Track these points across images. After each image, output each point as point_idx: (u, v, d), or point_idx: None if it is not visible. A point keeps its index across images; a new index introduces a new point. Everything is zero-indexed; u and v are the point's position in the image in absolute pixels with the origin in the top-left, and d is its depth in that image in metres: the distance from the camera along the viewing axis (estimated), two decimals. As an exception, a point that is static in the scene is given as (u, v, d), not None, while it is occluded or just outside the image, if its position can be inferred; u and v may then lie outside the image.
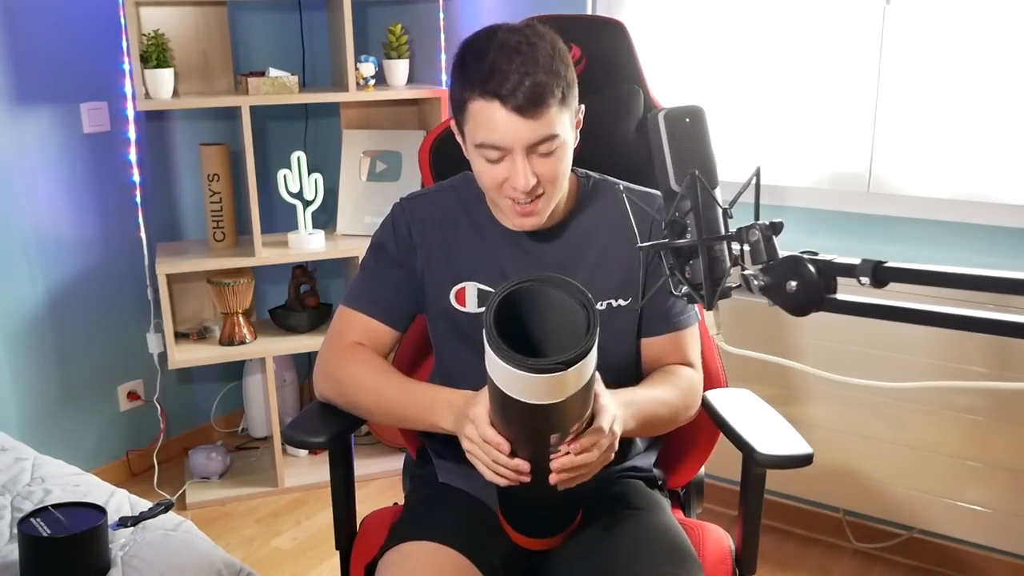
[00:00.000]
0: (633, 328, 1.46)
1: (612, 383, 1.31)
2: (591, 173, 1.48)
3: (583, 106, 1.36)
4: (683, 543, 1.36)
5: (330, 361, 1.48)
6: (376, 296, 1.47)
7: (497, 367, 1.09)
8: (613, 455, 1.25)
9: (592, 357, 1.10)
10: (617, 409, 1.25)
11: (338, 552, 1.56)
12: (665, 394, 1.40)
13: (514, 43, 1.24)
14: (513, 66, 1.22)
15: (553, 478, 1.20)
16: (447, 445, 1.49)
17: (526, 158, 1.27)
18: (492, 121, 1.25)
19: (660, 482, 1.56)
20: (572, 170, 1.39)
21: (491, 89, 1.23)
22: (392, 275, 1.47)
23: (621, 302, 1.42)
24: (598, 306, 1.39)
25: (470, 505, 1.43)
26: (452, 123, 1.36)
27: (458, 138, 1.36)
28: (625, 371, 1.46)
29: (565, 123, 1.29)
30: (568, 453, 1.19)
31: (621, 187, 1.29)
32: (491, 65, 1.23)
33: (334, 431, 1.46)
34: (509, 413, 1.16)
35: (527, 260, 1.42)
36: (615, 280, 1.42)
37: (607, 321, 1.38)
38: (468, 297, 1.43)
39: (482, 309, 1.32)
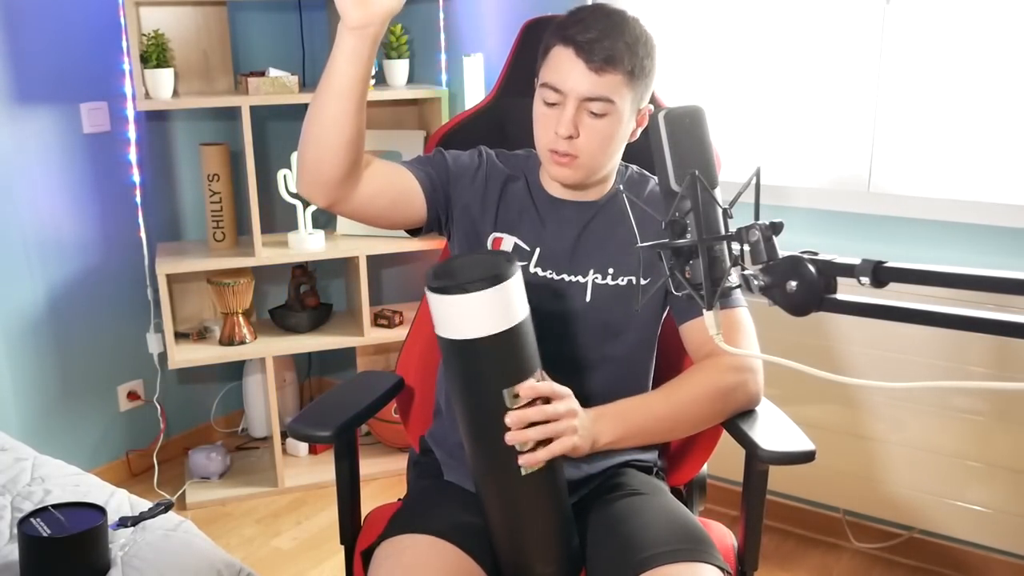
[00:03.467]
0: (654, 310, 1.48)
1: (623, 357, 1.42)
2: (630, 164, 1.54)
3: (651, 106, 1.41)
4: (692, 521, 1.37)
5: None
6: (415, 162, 1.48)
7: (432, 309, 1.18)
8: (578, 441, 1.24)
9: (507, 297, 1.15)
10: (588, 414, 1.28)
11: (338, 552, 1.56)
12: (670, 396, 1.39)
13: (610, 11, 1.35)
14: (599, 24, 1.32)
15: (509, 436, 1.19)
16: (452, 436, 1.51)
17: (577, 110, 1.34)
18: (560, 63, 1.34)
19: (661, 473, 1.57)
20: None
21: (571, 35, 1.33)
22: (439, 167, 1.48)
23: (643, 281, 1.47)
24: (619, 281, 1.45)
25: (470, 500, 1.43)
26: (536, 80, 1.40)
27: (535, 96, 1.41)
28: (639, 348, 1.49)
29: (626, 99, 1.35)
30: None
31: (622, 187, 1.32)
32: (581, 19, 1.34)
33: (339, 425, 1.47)
34: (449, 363, 1.20)
35: (565, 225, 1.47)
36: (640, 259, 1.46)
37: (625, 296, 1.44)
38: (503, 247, 1.48)
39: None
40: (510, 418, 1.19)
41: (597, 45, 1.31)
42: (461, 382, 1.20)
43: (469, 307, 1.15)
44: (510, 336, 1.17)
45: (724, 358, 1.40)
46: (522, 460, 1.21)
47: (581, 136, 1.35)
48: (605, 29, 1.32)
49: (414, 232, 1.50)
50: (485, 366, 1.18)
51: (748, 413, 1.44)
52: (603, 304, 1.45)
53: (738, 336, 1.41)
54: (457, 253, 1.51)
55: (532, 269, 1.46)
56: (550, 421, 1.21)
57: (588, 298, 1.45)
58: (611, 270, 1.46)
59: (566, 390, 1.25)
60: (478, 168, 1.50)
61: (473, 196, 1.48)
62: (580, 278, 1.45)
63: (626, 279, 1.46)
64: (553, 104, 1.35)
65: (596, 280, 1.46)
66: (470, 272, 1.18)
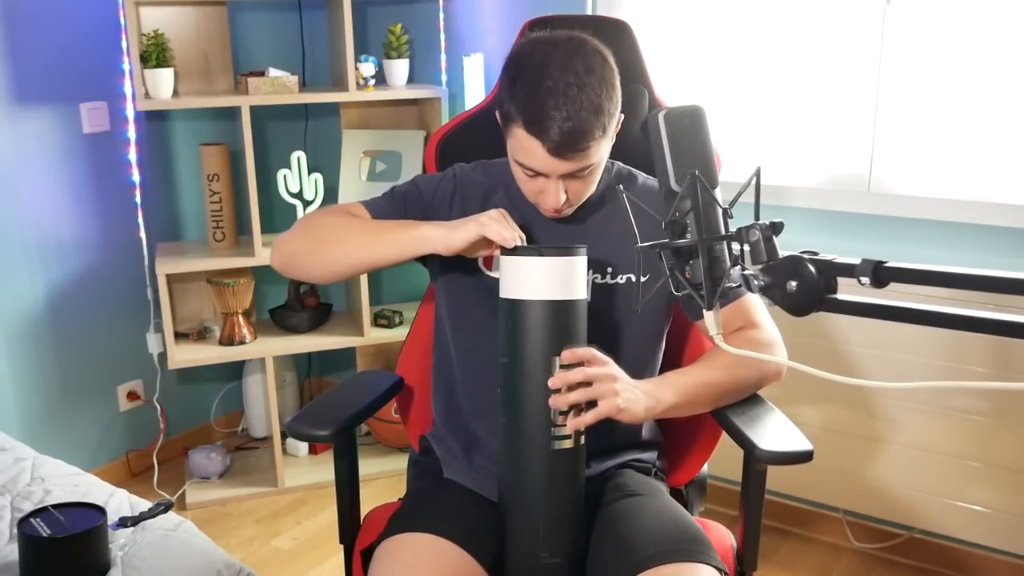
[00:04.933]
0: (657, 304, 1.49)
1: (631, 351, 1.43)
2: (615, 161, 1.54)
3: (622, 115, 1.39)
4: (689, 522, 1.37)
5: (310, 214, 1.55)
6: (384, 209, 1.50)
7: (503, 273, 1.30)
8: (622, 404, 1.26)
9: (572, 271, 1.26)
10: (649, 380, 1.35)
11: (338, 552, 1.56)
12: (712, 365, 1.42)
13: (563, 86, 1.27)
14: (559, 113, 1.26)
15: (552, 399, 1.25)
16: (452, 435, 1.51)
17: (560, 180, 1.35)
18: (532, 152, 1.32)
19: (661, 474, 1.57)
20: None
21: (534, 131, 1.29)
22: (415, 204, 1.51)
23: (642, 278, 1.48)
24: (618, 279, 1.48)
25: (470, 498, 1.44)
26: (498, 116, 1.39)
27: (502, 131, 1.40)
28: (642, 344, 1.50)
29: (603, 149, 1.35)
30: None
31: (621, 187, 1.32)
32: (539, 106, 1.27)
33: (338, 424, 1.47)
34: (506, 325, 1.28)
35: (556, 234, 1.48)
36: (640, 257, 1.48)
37: (627, 293, 1.47)
38: (496, 263, 1.47)
39: None
40: (552, 380, 1.24)
41: (563, 136, 1.27)
42: (513, 344, 1.28)
43: (539, 270, 1.25)
44: (568, 308, 1.27)
45: (752, 333, 1.45)
46: (569, 423, 1.26)
47: (570, 194, 1.37)
48: (565, 112, 1.26)
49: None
50: (539, 330, 1.26)
51: (747, 412, 1.45)
52: (605, 303, 1.46)
53: (759, 317, 1.47)
54: (439, 275, 1.53)
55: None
56: (591, 384, 1.26)
57: (589, 297, 1.45)
58: (610, 269, 1.47)
59: (606, 357, 1.29)
60: (453, 193, 1.50)
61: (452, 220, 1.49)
62: None
63: (625, 277, 1.47)
64: (534, 176, 1.36)
65: (596, 280, 1.46)
66: (544, 248, 1.30)
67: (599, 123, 1.30)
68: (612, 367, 1.29)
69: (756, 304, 1.49)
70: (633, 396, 1.28)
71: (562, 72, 1.28)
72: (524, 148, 1.32)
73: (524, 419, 1.28)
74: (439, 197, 1.50)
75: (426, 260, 1.52)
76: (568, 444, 1.28)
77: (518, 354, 1.27)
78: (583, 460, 1.33)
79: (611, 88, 1.32)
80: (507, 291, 1.29)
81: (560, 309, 1.26)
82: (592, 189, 1.42)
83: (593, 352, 1.27)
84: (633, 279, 1.47)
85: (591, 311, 1.32)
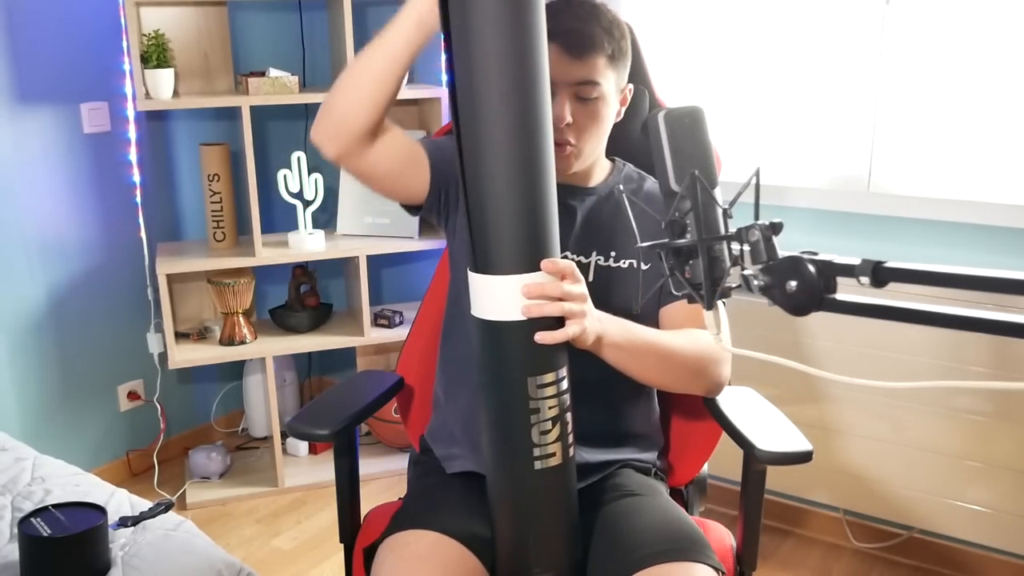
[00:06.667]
0: (656, 298, 1.50)
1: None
2: (626, 163, 1.60)
3: (631, 85, 1.49)
4: (687, 521, 1.37)
5: None
6: (432, 143, 1.49)
7: (471, 291, 1.22)
8: (587, 327, 1.22)
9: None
10: (600, 313, 1.29)
11: (338, 552, 1.56)
12: (666, 337, 1.40)
13: (583, 3, 1.42)
14: (573, 15, 1.40)
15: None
16: (453, 410, 1.53)
17: (569, 99, 1.39)
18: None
19: (661, 474, 1.57)
20: (609, 158, 1.57)
21: (550, 30, 1.32)
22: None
23: (643, 266, 1.49)
24: (620, 263, 1.50)
25: (473, 496, 1.44)
26: None
27: None
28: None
29: (610, 80, 1.42)
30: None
31: (621, 187, 1.34)
32: (557, 13, 1.38)
33: (339, 423, 1.47)
34: (481, 344, 1.23)
35: (568, 209, 1.49)
36: (640, 256, 1.50)
37: (625, 280, 1.48)
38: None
39: None
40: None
41: (575, 35, 1.38)
42: (489, 364, 1.22)
43: (512, 290, 1.18)
44: (537, 326, 1.18)
45: (698, 332, 1.44)
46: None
47: (576, 121, 1.41)
48: (580, 17, 1.39)
49: (412, 210, 1.50)
50: (516, 352, 1.20)
51: (746, 413, 1.45)
52: (605, 285, 1.48)
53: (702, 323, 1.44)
54: (455, 243, 1.53)
55: None
56: (564, 302, 1.20)
57: (591, 278, 1.48)
58: (613, 253, 1.50)
59: (581, 275, 1.24)
60: None
61: None
62: (583, 259, 1.49)
63: (628, 262, 1.50)
64: None
65: (599, 262, 1.49)
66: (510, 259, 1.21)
67: (610, 39, 1.40)
68: (585, 288, 1.24)
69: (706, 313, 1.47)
70: (591, 325, 1.24)
71: (586, 2, 1.43)
72: None
73: (506, 441, 1.23)
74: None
75: (438, 212, 1.51)
76: (554, 462, 1.22)
77: (495, 376, 1.21)
78: (572, 473, 1.27)
79: (622, 30, 1.44)
80: (478, 311, 1.21)
81: (532, 328, 1.18)
82: (596, 133, 1.44)
83: (573, 267, 1.22)
84: (635, 265, 1.49)
85: (593, 293, 1.32)
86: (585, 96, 1.40)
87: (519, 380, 1.19)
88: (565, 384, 1.23)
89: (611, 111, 1.45)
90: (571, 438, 1.25)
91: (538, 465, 1.22)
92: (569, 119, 1.40)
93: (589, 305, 1.25)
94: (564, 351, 1.23)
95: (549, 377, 1.20)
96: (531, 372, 1.19)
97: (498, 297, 1.18)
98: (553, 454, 1.22)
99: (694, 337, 1.42)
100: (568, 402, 1.24)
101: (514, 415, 1.21)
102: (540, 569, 1.27)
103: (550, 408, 1.20)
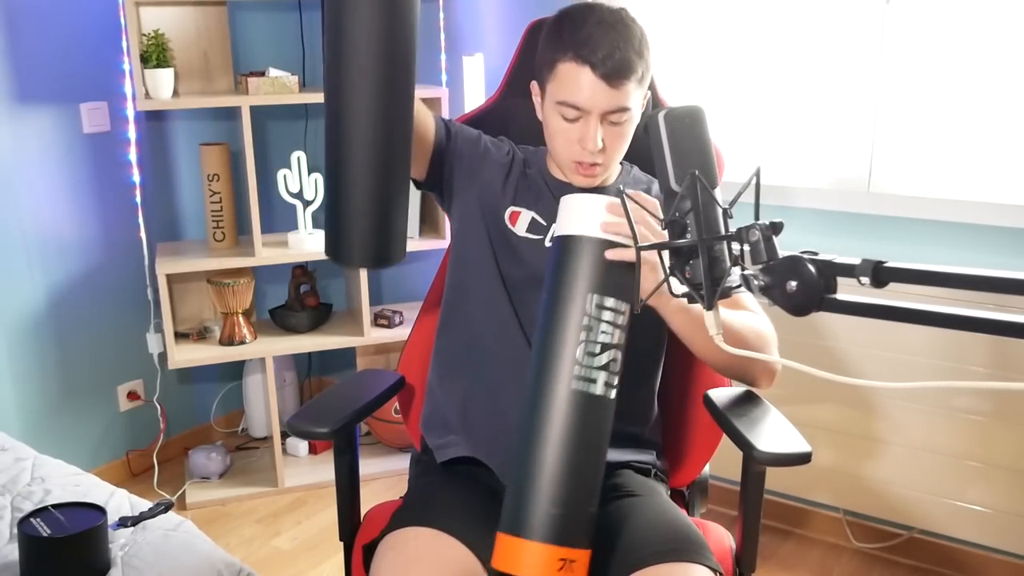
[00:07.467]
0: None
1: (636, 344, 1.36)
2: (634, 165, 1.60)
3: (650, 92, 1.48)
4: (685, 522, 1.37)
5: None
6: (447, 121, 1.54)
7: (560, 213, 1.27)
8: (656, 280, 1.23)
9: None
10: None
11: (338, 552, 1.56)
12: (726, 312, 1.38)
13: (612, 21, 1.38)
14: (608, 38, 1.36)
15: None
16: (446, 393, 1.53)
17: (599, 123, 1.39)
18: (578, 83, 1.37)
19: (661, 475, 1.57)
20: None
21: (584, 55, 1.35)
22: (469, 140, 1.54)
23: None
24: None
25: (474, 494, 1.44)
26: (533, 84, 1.48)
27: (535, 99, 1.49)
28: (646, 328, 1.47)
29: (638, 101, 1.42)
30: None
31: (622, 186, 1.34)
32: (589, 34, 1.36)
33: (339, 421, 1.47)
34: (553, 261, 1.26)
35: None
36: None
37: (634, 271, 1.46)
38: (521, 221, 1.52)
39: (532, 235, 1.51)
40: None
41: (611, 61, 1.35)
42: (555, 278, 1.23)
43: (589, 207, 1.22)
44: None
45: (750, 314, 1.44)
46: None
47: (606, 143, 1.41)
48: (614, 42, 1.35)
49: (415, 184, 1.53)
50: (581, 264, 1.21)
51: (746, 413, 1.44)
52: None
53: (755, 306, 1.46)
54: (457, 228, 1.56)
55: (548, 243, 1.50)
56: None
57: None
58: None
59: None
60: (507, 153, 1.57)
61: (496, 174, 1.54)
62: None
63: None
64: (573, 120, 1.40)
65: None
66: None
67: (642, 62, 1.38)
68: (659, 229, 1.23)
69: (747, 300, 1.48)
70: (659, 274, 1.24)
71: (610, 14, 1.39)
72: (570, 81, 1.37)
73: (549, 349, 1.20)
74: (493, 147, 1.57)
75: (441, 192, 1.54)
76: (594, 390, 1.18)
77: (558, 287, 1.22)
78: (609, 416, 1.21)
79: (648, 45, 1.42)
80: (560, 229, 1.26)
81: (605, 248, 1.21)
82: (622, 150, 1.44)
83: (656, 204, 1.22)
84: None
85: None
86: (616, 121, 1.40)
87: (580, 292, 1.21)
88: (623, 320, 1.22)
89: (636, 125, 1.45)
90: (616, 380, 1.21)
91: (575, 385, 1.18)
92: (600, 145, 1.40)
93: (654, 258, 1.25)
94: (630, 292, 1.22)
95: (610, 302, 1.20)
96: (593, 289, 1.21)
97: (582, 213, 1.23)
98: (594, 380, 1.18)
99: (751, 317, 1.42)
100: (623, 342, 1.22)
101: (565, 324, 1.20)
102: (551, 504, 1.18)
103: (603, 332, 1.20)
